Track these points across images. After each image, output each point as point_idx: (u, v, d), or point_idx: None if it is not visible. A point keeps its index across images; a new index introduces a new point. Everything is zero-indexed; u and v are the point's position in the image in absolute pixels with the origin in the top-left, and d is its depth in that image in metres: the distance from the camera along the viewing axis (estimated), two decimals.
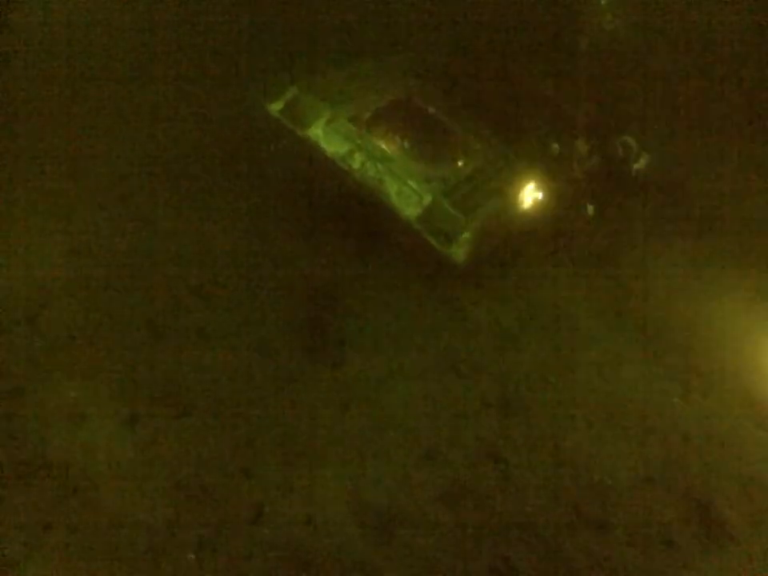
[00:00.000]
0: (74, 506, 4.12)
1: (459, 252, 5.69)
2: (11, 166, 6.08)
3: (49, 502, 4.10)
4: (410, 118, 6.43)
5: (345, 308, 5.72)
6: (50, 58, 7.11)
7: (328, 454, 4.73)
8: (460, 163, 6.21)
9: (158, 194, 6.23)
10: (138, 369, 4.90)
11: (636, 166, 7.32)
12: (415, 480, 4.71)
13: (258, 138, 6.72)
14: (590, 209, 6.97)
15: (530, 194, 6.15)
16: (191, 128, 6.92)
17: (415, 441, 4.94)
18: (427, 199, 5.76)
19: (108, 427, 4.53)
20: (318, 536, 4.29)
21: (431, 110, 6.45)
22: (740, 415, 5.71)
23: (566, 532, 4.65)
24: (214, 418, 4.76)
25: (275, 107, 6.13)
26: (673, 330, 6.29)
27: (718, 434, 5.51)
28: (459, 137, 6.35)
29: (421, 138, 6.29)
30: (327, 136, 5.99)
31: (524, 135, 6.66)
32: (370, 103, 6.35)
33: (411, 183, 5.79)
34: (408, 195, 5.76)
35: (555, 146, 6.52)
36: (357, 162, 5.90)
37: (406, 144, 6.22)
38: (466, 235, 5.68)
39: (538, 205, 6.23)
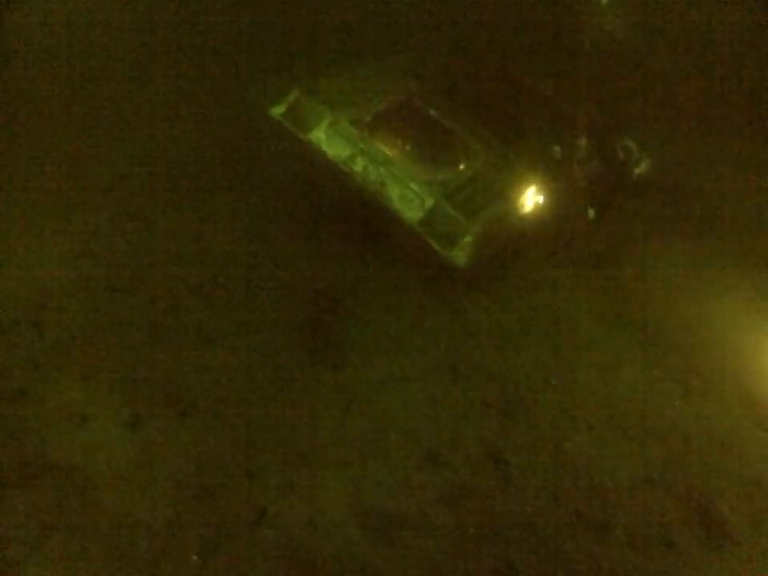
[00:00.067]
0: (76, 507, 4.12)
1: (461, 255, 5.68)
2: (11, 166, 6.08)
3: (50, 503, 4.10)
4: (411, 120, 6.42)
5: (346, 310, 5.73)
6: (50, 58, 7.11)
7: (329, 455, 4.73)
8: (461, 166, 6.20)
9: (158, 194, 6.22)
10: (139, 369, 4.90)
11: (637, 170, 7.32)
12: (416, 482, 4.71)
13: (258, 138, 6.73)
14: (591, 212, 6.97)
15: (531, 197, 6.14)
16: (191, 128, 6.93)
17: (416, 443, 4.94)
18: (429, 202, 5.75)
19: (109, 428, 4.53)
20: (320, 538, 4.29)
21: (432, 112, 6.43)
22: (740, 415, 5.73)
23: (567, 533, 4.65)
24: (215, 418, 4.75)
25: (277, 110, 6.12)
26: (673, 331, 6.30)
27: (718, 434, 5.52)
28: (460, 139, 6.33)
29: (422, 140, 6.29)
30: (329, 139, 5.99)
31: (525, 137, 6.65)
32: (371, 105, 6.34)
33: (413, 186, 5.78)
34: (410, 198, 5.76)
35: (557, 148, 6.51)
36: (359, 165, 5.89)
37: (408, 147, 6.21)
38: (468, 238, 5.67)
39: (538, 207, 6.23)
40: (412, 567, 4.28)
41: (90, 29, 7.48)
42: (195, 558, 4.03)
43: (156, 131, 6.76)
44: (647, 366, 5.96)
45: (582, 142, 6.63)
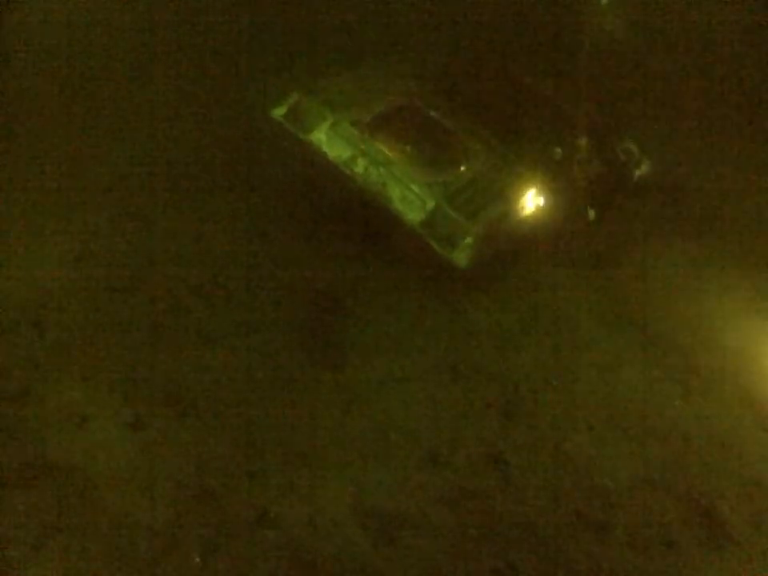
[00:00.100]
0: (76, 508, 4.12)
1: (462, 256, 5.69)
2: (11, 166, 6.08)
3: (50, 504, 4.10)
4: (412, 121, 6.41)
5: (346, 310, 5.73)
6: (50, 58, 7.11)
7: (329, 455, 4.73)
8: (462, 167, 6.20)
9: (158, 194, 6.22)
10: (139, 369, 4.90)
11: (638, 172, 7.33)
12: (416, 482, 4.71)
13: (258, 138, 6.72)
14: (591, 212, 6.97)
15: (532, 198, 6.15)
16: (191, 128, 6.92)
17: (416, 443, 4.94)
18: (430, 204, 5.76)
19: (109, 428, 4.53)
20: (320, 538, 4.29)
21: (433, 113, 6.43)
22: (740, 415, 5.73)
23: (567, 533, 4.65)
24: (215, 418, 4.76)
25: (278, 112, 6.12)
26: (673, 331, 6.30)
27: (719, 434, 5.52)
28: (461, 140, 6.33)
29: (423, 141, 6.29)
30: (330, 140, 5.99)
31: (525, 138, 6.65)
32: (372, 107, 6.34)
33: (414, 188, 5.80)
34: (411, 200, 5.77)
35: (557, 149, 6.52)
36: (360, 166, 5.90)
37: (409, 148, 6.21)
38: (469, 240, 5.68)
39: (539, 208, 6.23)
40: (412, 567, 4.28)
41: (90, 29, 7.47)
42: (198, 559, 4.03)
43: (156, 131, 6.76)
44: (647, 365, 5.96)
45: (582, 142, 6.64)
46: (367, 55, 7.59)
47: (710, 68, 9.23)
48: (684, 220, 7.64)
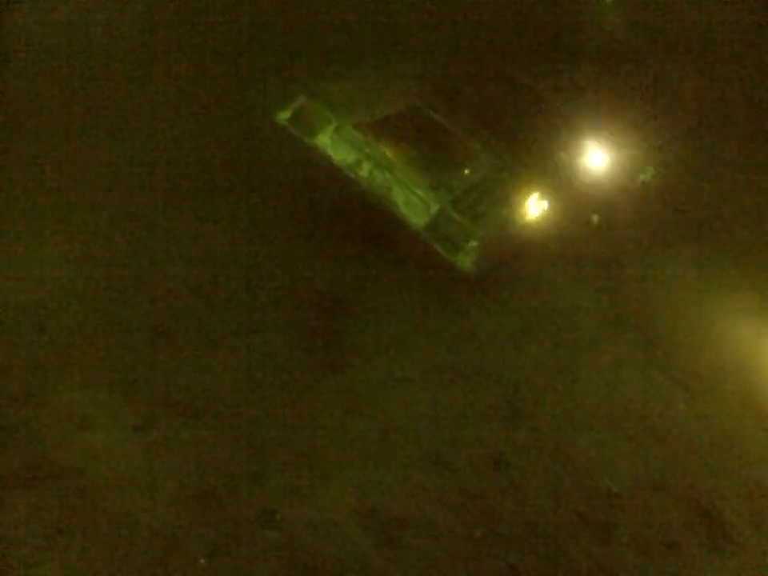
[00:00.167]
0: (79, 510, 4.10)
1: (466, 260, 5.71)
2: (11, 166, 6.06)
3: (53, 506, 4.08)
4: (416, 125, 6.41)
5: (348, 311, 5.72)
6: (50, 58, 7.08)
7: (331, 456, 4.72)
8: (466, 171, 6.21)
9: (158, 194, 6.20)
10: (140, 371, 4.88)
11: (642, 177, 7.33)
12: (418, 483, 4.70)
13: (258, 138, 6.71)
14: (595, 218, 6.98)
15: (535, 202, 6.15)
16: (191, 128, 6.90)
17: (418, 444, 4.94)
18: (434, 208, 5.77)
19: (112, 430, 4.51)
20: (321, 539, 4.28)
21: (436, 116, 6.44)
22: (741, 416, 5.74)
23: (568, 534, 4.65)
24: (216, 419, 4.74)
25: (283, 116, 6.11)
26: (674, 333, 6.31)
27: (720, 435, 5.53)
28: (464, 143, 6.34)
29: (427, 145, 6.28)
30: (335, 144, 5.98)
31: (528, 140, 6.65)
32: (375, 110, 6.34)
33: (418, 192, 5.80)
34: (415, 204, 5.78)
35: (561, 154, 6.52)
36: (364, 170, 5.90)
37: (413, 152, 6.20)
38: (473, 243, 5.69)
39: (542, 212, 6.24)
40: (414, 568, 4.27)
41: (90, 29, 7.45)
42: (203, 561, 4.02)
43: (156, 131, 6.74)
44: (648, 367, 5.96)
45: (585, 145, 6.63)
46: (367, 56, 7.58)
47: (710, 68, 9.23)
48: (684, 221, 7.65)
